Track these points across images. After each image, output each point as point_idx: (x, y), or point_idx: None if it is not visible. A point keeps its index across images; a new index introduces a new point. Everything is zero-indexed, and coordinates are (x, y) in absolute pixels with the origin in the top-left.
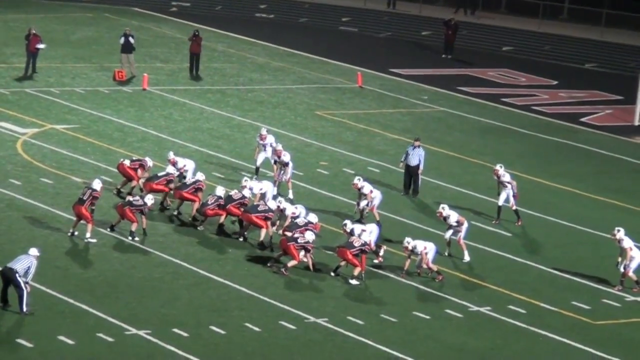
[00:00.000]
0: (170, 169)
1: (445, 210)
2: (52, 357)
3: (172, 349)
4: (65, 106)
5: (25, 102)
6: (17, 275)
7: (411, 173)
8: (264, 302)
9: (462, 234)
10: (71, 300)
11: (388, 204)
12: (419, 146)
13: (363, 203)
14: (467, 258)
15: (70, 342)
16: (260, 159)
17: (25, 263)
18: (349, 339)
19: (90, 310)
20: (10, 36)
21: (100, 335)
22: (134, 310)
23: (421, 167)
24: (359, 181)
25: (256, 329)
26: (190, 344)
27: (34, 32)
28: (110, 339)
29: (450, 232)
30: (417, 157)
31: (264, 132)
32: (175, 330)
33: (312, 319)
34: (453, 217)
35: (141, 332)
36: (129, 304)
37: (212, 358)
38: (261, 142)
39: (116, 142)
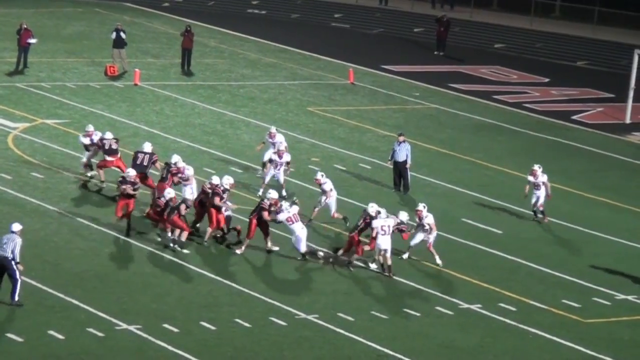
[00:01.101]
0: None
1: (424, 210)
2: (42, 351)
3: (162, 344)
4: (57, 101)
5: (16, 97)
6: (12, 263)
7: (400, 169)
8: (255, 298)
9: (431, 241)
10: (61, 295)
11: (379, 201)
12: (404, 141)
13: (323, 199)
14: (439, 262)
15: (60, 336)
16: (267, 155)
17: (13, 245)
18: (340, 336)
19: (81, 305)
20: (2, 31)
21: (91, 330)
22: (125, 305)
23: (409, 161)
24: (321, 177)
25: (246, 324)
26: (181, 339)
27: (25, 26)
28: (100, 334)
29: (421, 236)
30: (404, 152)
31: (273, 130)
32: (166, 325)
33: (302, 315)
34: (429, 219)
35: (131, 327)
36: (119, 298)
37: (202, 353)
38: (270, 140)
39: None
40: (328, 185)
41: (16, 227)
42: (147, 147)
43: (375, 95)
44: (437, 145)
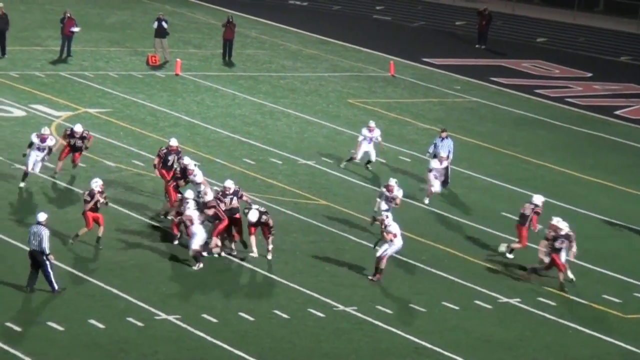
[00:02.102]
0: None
1: (395, 186)
2: (83, 340)
3: (201, 334)
4: (99, 90)
5: (60, 86)
6: (44, 257)
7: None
8: (293, 289)
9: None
10: (102, 284)
11: (419, 195)
12: (447, 137)
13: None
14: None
15: (100, 325)
16: (361, 151)
17: (40, 237)
18: (378, 328)
19: (121, 294)
20: (46, 19)
21: (130, 319)
22: (164, 295)
23: (450, 157)
24: (395, 184)
25: (285, 316)
26: (219, 329)
27: (69, 15)
28: (140, 323)
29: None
30: (446, 148)
31: (372, 124)
32: (205, 315)
33: (340, 307)
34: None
35: (171, 317)
36: (159, 288)
37: (240, 344)
38: (369, 134)
39: (148, 126)
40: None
41: (42, 217)
42: (174, 142)
43: (415, 88)
44: (477, 138)
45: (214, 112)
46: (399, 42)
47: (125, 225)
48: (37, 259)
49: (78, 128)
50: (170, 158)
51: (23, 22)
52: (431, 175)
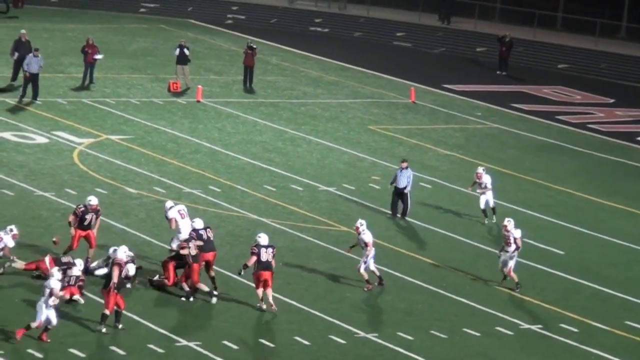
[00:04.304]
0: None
1: (362, 225)
2: None
3: None
4: (121, 117)
5: (82, 112)
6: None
7: (400, 194)
8: (314, 316)
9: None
10: (123, 311)
11: (437, 221)
12: (406, 167)
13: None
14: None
15: (121, 352)
16: (482, 202)
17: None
18: (399, 355)
19: (141, 320)
20: (69, 46)
21: (151, 346)
22: (185, 321)
23: (409, 187)
24: (360, 225)
25: (305, 342)
26: (240, 356)
27: (91, 42)
28: (160, 350)
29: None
30: (405, 178)
31: (480, 170)
32: (225, 342)
33: (362, 333)
34: (367, 236)
35: (191, 344)
36: (179, 315)
37: None
38: (477, 180)
39: (170, 153)
40: (368, 236)
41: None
42: (94, 201)
43: (436, 115)
44: (499, 165)
45: (235, 138)
46: (419, 69)
47: (145, 252)
48: None
49: (94, 201)
50: (88, 217)
51: (46, 50)
52: None
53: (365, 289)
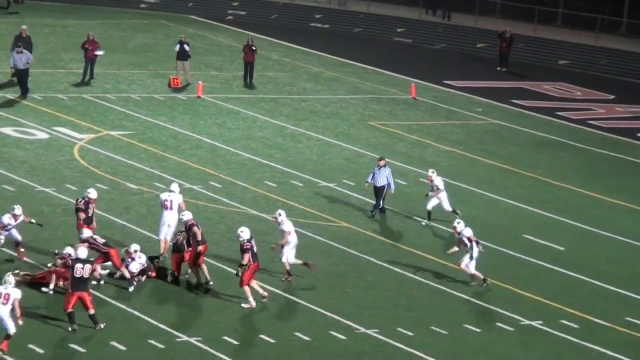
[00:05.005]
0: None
1: (281, 216)
2: None
3: (223, 356)
4: (121, 112)
5: (83, 108)
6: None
7: (377, 192)
8: (314, 312)
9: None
10: (123, 306)
11: (443, 217)
12: (384, 165)
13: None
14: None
15: (121, 347)
16: (431, 204)
17: None
18: (399, 351)
19: (142, 316)
20: (70, 42)
21: (151, 341)
22: (185, 317)
23: (393, 186)
24: (279, 216)
25: (306, 338)
26: (240, 352)
27: (92, 38)
28: (161, 345)
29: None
30: (383, 176)
31: (430, 173)
32: (226, 338)
33: (362, 329)
34: (286, 226)
35: (192, 339)
36: (180, 310)
37: None
38: (430, 183)
39: (170, 149)
40: (287, 226)
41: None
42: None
43: (436, 111)
44: (499, 161)
45: (235, 134)
46: (420, 65)
47: (146, 247)
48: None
49: (93, 194)
50: (90, 210)
51: (46, 45)
52: None
53: (283, 280)
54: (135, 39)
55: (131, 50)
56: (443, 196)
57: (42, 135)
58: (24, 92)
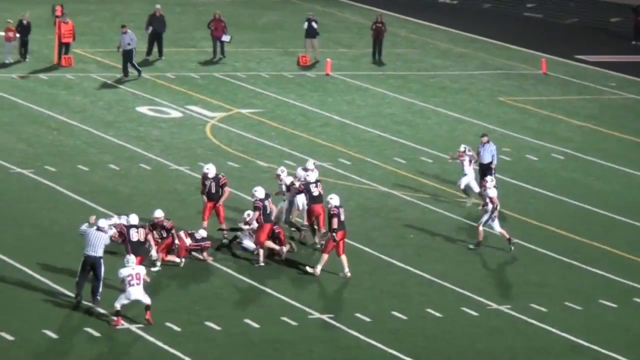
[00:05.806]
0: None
1: (283, 173)
2: (239, 340)
3: (355, 333)
4: (251, 90)
5: (214, 86)
6: (100, 263)
7: (484, 171)
8: (445, 288)
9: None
10: (255, 284)
11: (577, 193)
12: (488, 142)
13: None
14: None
15: (255, 325)
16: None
17: (101, 244)
18: (532, 327)
19: (274, 293)
20: (200, 20)
21: (284, 318)
22: (317, 294)
23: (494, 162)
24: (282, 172)
25: (437, 314)
26: (373, 329)
27: (218, 16)
28: (294, 323)
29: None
30: (488, 153)
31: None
32: (358, 315)
33: (494, 305)
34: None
35: (324, 317)
36: (312, 288)
37: (393, 343)
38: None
39: (299, 126)
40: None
41: (102, 223)
42: (212, 169)
43: (568, 86)
44: (634, 135)
45: (364, 111)
46: (550, 40)
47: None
48: (94, 266)
49: (159, 213)
50: (207, 183)
51: (179, 24)
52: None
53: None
54: (265, 16)
55: (260, 29)
56: (469, 171)
57: (175, 114)
58: (125, 73)
